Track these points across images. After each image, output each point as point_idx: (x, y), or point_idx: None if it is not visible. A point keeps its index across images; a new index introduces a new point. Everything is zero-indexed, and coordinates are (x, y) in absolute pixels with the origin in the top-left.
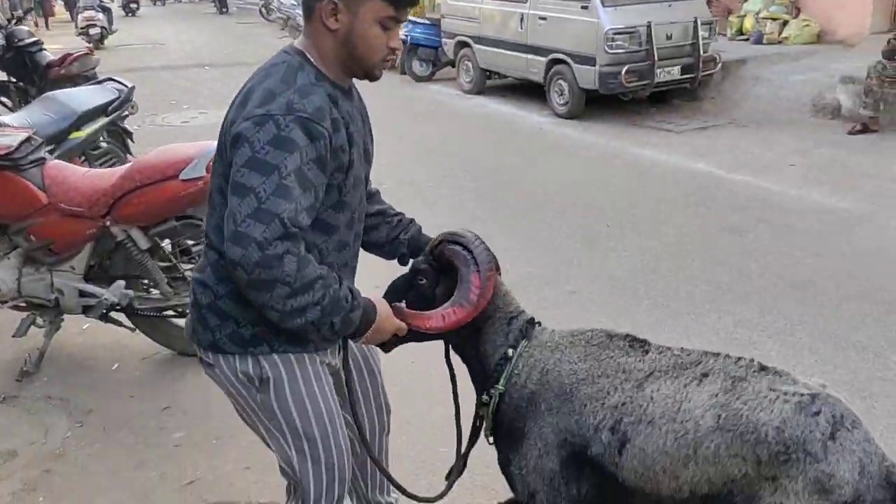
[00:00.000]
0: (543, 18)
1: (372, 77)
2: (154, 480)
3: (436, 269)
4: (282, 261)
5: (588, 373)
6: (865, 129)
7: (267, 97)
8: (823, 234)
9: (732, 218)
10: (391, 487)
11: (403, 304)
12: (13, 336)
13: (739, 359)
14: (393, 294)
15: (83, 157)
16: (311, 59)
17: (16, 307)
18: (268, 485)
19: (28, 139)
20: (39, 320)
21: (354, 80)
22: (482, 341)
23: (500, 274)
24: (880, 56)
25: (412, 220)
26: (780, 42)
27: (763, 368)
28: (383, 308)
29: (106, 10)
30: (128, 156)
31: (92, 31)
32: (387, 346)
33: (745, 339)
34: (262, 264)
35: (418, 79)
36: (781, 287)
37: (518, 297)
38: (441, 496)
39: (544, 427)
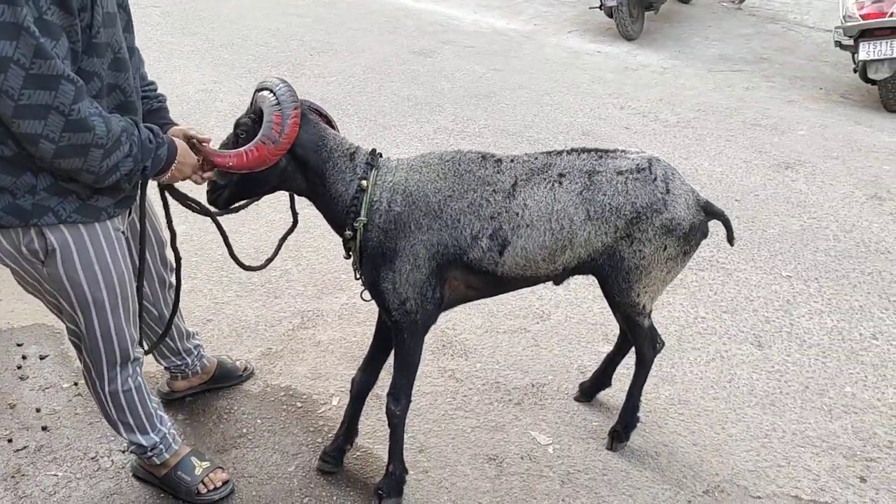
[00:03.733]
0: None
1: None
2: None
3: (256, 122)
4: (91, 123)
5: (453, 189)
6: None
7: None
8: (498, 52)
9: (421, 42)
10: (192, 333)
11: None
12: None
13: (578, 152)
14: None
15: None
16: None
17: None
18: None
19: None
20: None
21: None
22: (330, 183)
23: (332, 125)
24: None
25: (150, 95)
26: None
27: (600, 155)
28: (181, 143)
29: None
30: None
31: None
32: (218, 201)
33: (444, 143)
34: (71, 128)
35: None
36: (469, 98)
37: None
38: (262, 266)
39: (416, 244)
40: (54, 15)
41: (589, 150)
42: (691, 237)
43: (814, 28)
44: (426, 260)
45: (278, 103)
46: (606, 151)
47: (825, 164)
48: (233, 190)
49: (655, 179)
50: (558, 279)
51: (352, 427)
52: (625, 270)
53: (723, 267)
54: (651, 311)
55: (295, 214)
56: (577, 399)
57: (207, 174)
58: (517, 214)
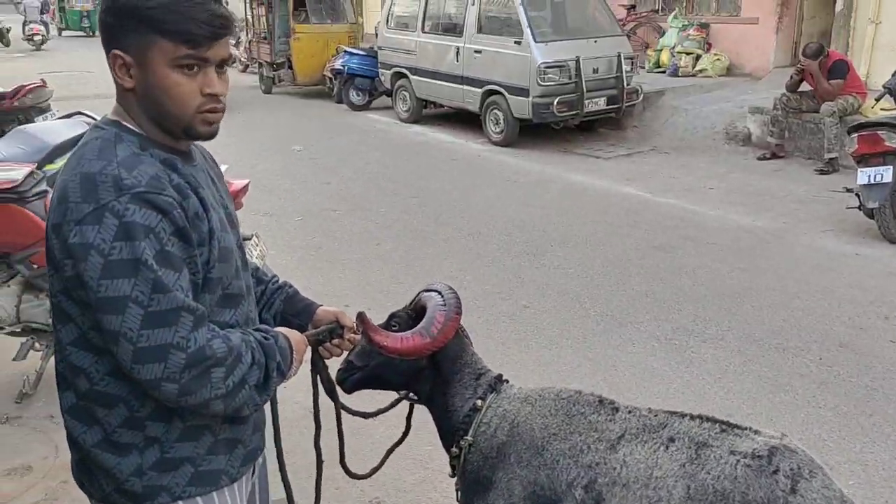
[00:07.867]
0: (478, 52)
1: (195, 135)
2: None
3: (412, 317)
4: (212, 348)
5: (560, 428)
6: (773, 156)
7: (89, 186)
8: (743, 250)
9: (662, 237)
10: None
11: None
12: (13, 360)
13: (702, 420)
14: None
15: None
16: (130, 127)
17: (12, 333)
18: None
19: (31, 173)
20: (38, 344)
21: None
22: (450, 394)
23: (470, 341)
24: (784, 89)
25: (283, 284)
26: (693, 75)
27: (723, 429)
28: (282, 329)
29: (45, 24)
30: None
31: (35, 38)
32: (347, 382)
33: (683, 345)
34: (191, 364)
35: (355, 108)
36: (710, 298)
37: (477, 311)
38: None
39: (513, 479)
40: (174, 247)
41: (715, 421)
42: None
43: None
44: (521, 498)
45: (444, 304)
46: (733, 427)
47: None
48: (367, 374)
49: (776, 472)
50: None
51: None
52: None
53: None
54: None
55: (409, 425)
56: None
57: (357, 337)
58: (614, 469)
